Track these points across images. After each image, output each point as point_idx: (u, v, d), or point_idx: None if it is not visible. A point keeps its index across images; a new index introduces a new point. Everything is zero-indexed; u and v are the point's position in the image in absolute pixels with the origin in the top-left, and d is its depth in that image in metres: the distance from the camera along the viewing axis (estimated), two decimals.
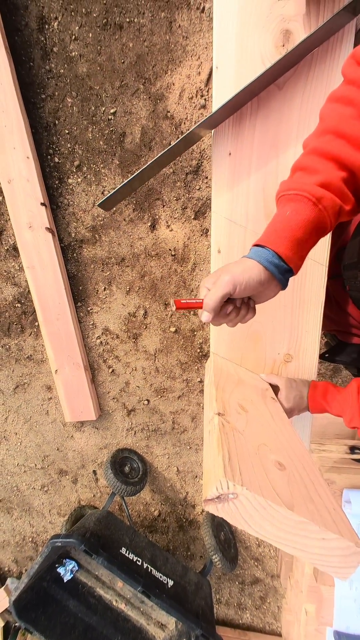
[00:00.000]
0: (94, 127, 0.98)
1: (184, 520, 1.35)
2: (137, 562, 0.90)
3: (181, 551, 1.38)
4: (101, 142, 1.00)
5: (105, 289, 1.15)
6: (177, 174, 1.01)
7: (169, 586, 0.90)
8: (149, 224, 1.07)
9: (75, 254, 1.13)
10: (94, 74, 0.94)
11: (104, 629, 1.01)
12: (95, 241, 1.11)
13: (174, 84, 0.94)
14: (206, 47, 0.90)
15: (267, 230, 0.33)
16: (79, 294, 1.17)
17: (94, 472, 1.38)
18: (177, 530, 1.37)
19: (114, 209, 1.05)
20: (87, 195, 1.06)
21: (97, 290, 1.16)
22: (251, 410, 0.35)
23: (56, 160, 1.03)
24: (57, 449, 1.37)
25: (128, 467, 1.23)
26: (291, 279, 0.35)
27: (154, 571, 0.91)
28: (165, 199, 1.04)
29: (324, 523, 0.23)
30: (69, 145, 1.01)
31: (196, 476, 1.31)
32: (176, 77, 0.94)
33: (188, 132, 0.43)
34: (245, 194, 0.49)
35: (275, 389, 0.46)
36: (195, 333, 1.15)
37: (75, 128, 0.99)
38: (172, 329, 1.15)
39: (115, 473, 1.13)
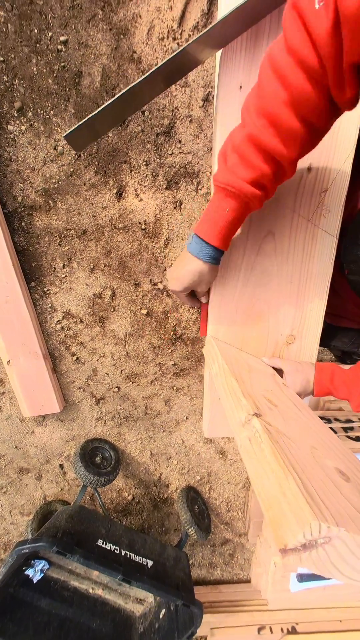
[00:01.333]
0: (39, 58, 0.78)
1: (159, 499, 1.37)
2: (115, 551, 0.87)
3: (156, 528, 1.42)
4: (50, 81, 0.81)
5: (64, 266, 1.00)
6: (146, 134, 0.88)
7: (149, 567, 0.90)
8: (115, 192, 0.93)
9: (24, 223, 0.94)
10: None
11: (81, 618, 0.99)
12: (49, 208, 0.93)
13: (140, 17, 0.78)
14: None
15: (208, 223, 0.39)
16: (31, 271, 1.00)
17: (61, 465, 1.28)
18: (152, 510, 1.38)
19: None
20: (35, 149, 0.87)
21: (55, 268, 1.00)
22: (279, 404, 0.31)
23: None
24: (15, 447, 1.23)
25: (99, 457, 1.17)
26: (300, 254, 0.41)
27: (132, 556, 0.90)
28: (133, 163, 0.91)
29: None
30: (5, 78, 0.79)
31: (170, 457, 1.31)
32: (143, 8, 0.78)
33: (189, 42, 0.32)
34: None
35: (279, 373, 0.44)
36: (168, 315, 1.09)
37: (12, 55, 0.78)
38: (144, 311, 1.07)
39: (86, 465, 1.06)
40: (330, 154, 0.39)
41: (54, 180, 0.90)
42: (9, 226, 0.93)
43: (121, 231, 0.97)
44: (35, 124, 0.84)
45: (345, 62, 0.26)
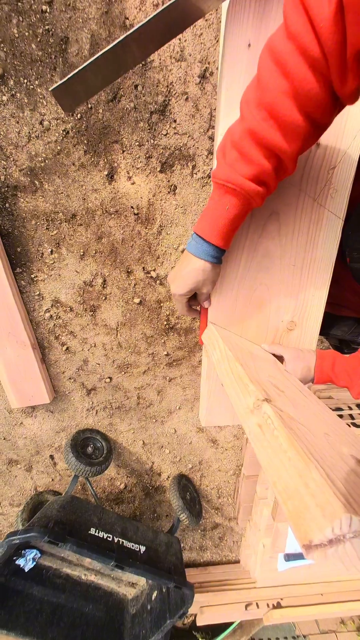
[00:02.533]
0: (21, 19, 0.71)
1: (150, 487, 1.39)
2: (108, 538, 0.88)
3: (148, 515, 1.44)
4: (33, 46, 0.74)
5: (52, 251, 0.95)
6: (139, 111, 0.83)
7: (141, 552, 0.91)
8: (106, 173, 0.88)
9: (8, 205, 0.89)
10: None
11: (73, 604, 1.01)
12: (36, 189, 0.88)
13: None
14: None
15: (208, 221, 0.37)
16: (17, 257, 0.94)
17: (51, 456, 1.27)
18: (144, 498, 1.40)
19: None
20: (18, 123, 0.80)
21: (42, 253, 0.95)
22: (286, 390, 0.30)
23: None
24: (4, 439, 1.20)
25: (91, 448, 1.16)
26: (305, 236, 0.38)
27: (125, 543, 0.91)
28: (125, 143, 0.86)
29: None
30: None
31: (162, 446, 1.32)
32: None
33: None
34: None
35: (279, 360, 0.43)
36: (161, 304, 1.07)
37: None
38: (136, 300, 1.05)
39: (78, 456, 1.05)
40: (340, 128, 0.37)
41: (39, 159, 0.85)
42: None
43: (113, 216, 0.93)
44: (18, 94, 0.78)
45: (349, 50, 0.25)
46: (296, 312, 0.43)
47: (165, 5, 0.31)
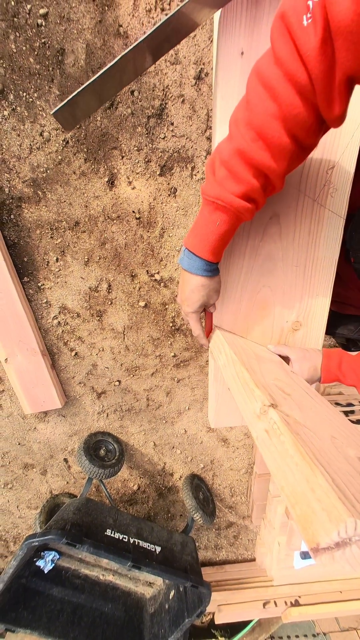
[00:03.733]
0: (18, 33, 0.73)
1: (164, 488, 1.40)
2: (124, 539, 0.89)
3: (162, 515, 1.45)
4: (31, 60, 0.75)
5: (57, 259, 0.97)
6: (136, 116, 0.84)
7: (157, 552, 0.92)
8: (106, 180, 0.89)
9: (12, 216, 0.91)
10: None
11: (93, 603, 1.02)
12: (39, 199, 0.90)
13: None
14: None
15: (199, 237, 0.38)
16: (24, 266, 0.97)
17: (65, 460, 1.29)
18: (157, 498, 1.41)
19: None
20: (19, 136, 0.82)
21: (48, 262, 0.97)
22: (292, 393, 0.30)
23: None
24: (19, 444, 1.23)
25: (103, 450, 1.18)
26: (306, 237, 0.39)
27: (141, 543, 0.92)
28: (124, 149, 0.87)
29: None
30: None
31: (173, 447, 1.33)
32: None
33: (182, 4, 0.29)
34: None
35: (285, 360, 0.44)
36: (166, 307, 1.08)
37: None
38: (142, 304, 1.06)
39: (91, 459, 1.07)
40: (336, 130, 0.37)
41: (41, 169, 0.86)
42: None
43: (115, 221, 0.94)
44: (18, 108, 0.79)
45: (338, 76, 0.25)
46: (301, 312, 0.43)
47: (160, 23, 0.31)
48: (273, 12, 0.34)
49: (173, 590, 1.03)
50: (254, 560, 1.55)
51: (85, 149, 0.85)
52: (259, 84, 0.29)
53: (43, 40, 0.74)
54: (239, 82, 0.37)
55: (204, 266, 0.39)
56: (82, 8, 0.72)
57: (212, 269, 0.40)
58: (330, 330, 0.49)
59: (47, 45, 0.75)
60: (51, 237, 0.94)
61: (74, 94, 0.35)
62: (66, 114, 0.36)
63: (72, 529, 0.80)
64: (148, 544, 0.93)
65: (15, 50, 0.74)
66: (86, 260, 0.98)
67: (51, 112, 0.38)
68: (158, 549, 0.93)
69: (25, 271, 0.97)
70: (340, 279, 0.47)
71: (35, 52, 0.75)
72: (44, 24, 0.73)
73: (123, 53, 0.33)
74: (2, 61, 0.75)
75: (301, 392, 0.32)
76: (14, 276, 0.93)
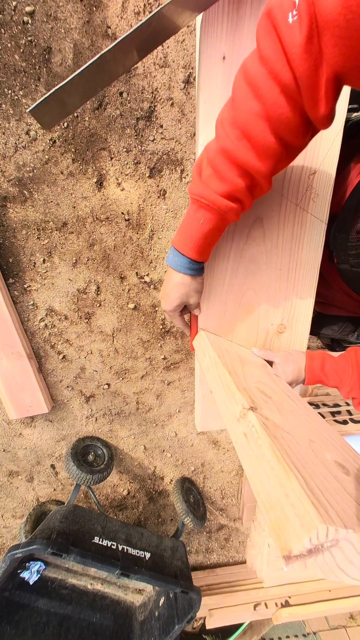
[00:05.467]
0: (3, 30, 0.71)
1: (154, 492, 1.38)
2: (112, 546, 0.87)
3: (152, 520, 1.43)
4: (17, 57, 0.74)
5: (44, 260, 0.95)
6: (125, 118, 0.84)
7: (147, 559, 0.91)
8: (95, 180, 0.88)
9: None
10: None
11: (80, 614, 1.00)
12: (25, 199, 0.88)
13: None
14: None
15: (184, 235, 0.39)
16: (9, 267, 0.94)
17: (52, 466, 1.26)
18: (148, 503, 1.39)
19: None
20: (4, 134, 0.80)
21: (35, 263, 0.95)
22: (273, 396, 0.30)
23: None
24: (3, 450, 1.19)
25: (92, 455, 1.15)
26: (289, 241, 0.39)
27: (130, 550, 0.90)
28: (112, 150, 0.86)
29: None
30: None
31: (163, 450, 1.32)
32: None
33: (162, 5, 0.29)
34: None
35: (269, 364, 0.44)
36: (156, 309, 1.07)
37: None
38: (131, 306, 1.05)
39: (79, 464, 1.05)
40: (318, 135, 0.38)
41: (28, 169, 0.84)
42: None
43: (103, 222, 0.93)
44: (3, 105, 0.78)
45: (325, 75, 0.25)
46: (285, 315, 0.43)
47: (139, 24, 0.31)
48: (254, 17, 0.34)
49: (163, 597, 1.02)
50: (244, 562, 1.55)
51: (73, 149, 0.84)
52: (244, 83, 0.29)
53: (29, 38, 0.73)
54: (221, 86, 0.38)
55: (187, 264, 0.39)
56: (69, 7, 0.72)
57: (195, 268, 0.40)
58: (315, 331, 0.50)
59: (33, 43, 0.74)
60: (38, 237, 0.92)
61: (51, 91, 0.35)
62: (45, 112, 0.35)
63: (58, 538, 0.78)
64: (137, 550, 0.91)
65: (0, 47, 0.73)
66: (74, 261, 0.96)
67: (27, 110, 0.37)
68: (147, 555, 0.92)
69: (10, 272, 0.95)
70: (324, 280, 0.48)
71: (21, 50, 0.74)
72: (30, 21, 0.72)
73: (102, 52, 0.33)
74: None
75: (282, 396, 0.33)
76: None
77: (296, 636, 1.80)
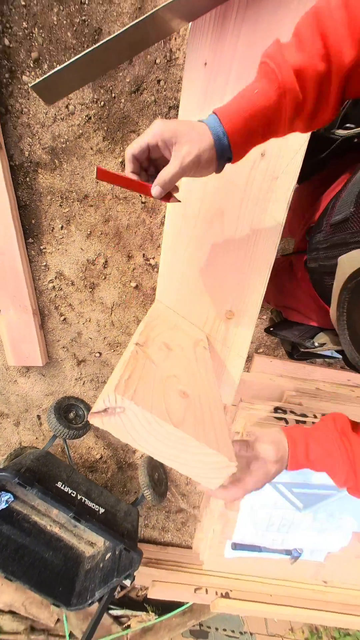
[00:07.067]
0: (62, 8, 0.77)
1: (124, 462, 1.47)
2: (72, 494, 0.96)
3: (118, 488, 1.53)
4: (69, 34, 0.80)
5: (62, 227, 1.03)
6: (159, 105, 0.88)
7: (100, 513, 0.99)
8: (120, 160, 0.94)
9: (28, 179, 0.96)
10: None
11: (36, 547, 1.11)
12: (55, 167, 0.95)
13: None
14: None
15: (231, 102, 0.31)
16: (30, 228, 1.03)
17: (38, 416, 1.37)
18: (117, 471, 1.49)
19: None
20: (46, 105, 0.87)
21: (53, 228, 1.03)
22: (176, 351, 0.36)
23: (6, 42, 0.80)
24: None
25: (73, 414, 1.25)
26: (246, 236, 0.38)
27: (87, 501, 0.99)
28: (141, 133, 0.91)
29: (207, 441, 0.26)
30: (25, 24, 0.79)
31: None
32: None
33: (156, 9, 0.34)
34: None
35: (245, 446, 0.39)
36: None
37: (35, 1, 0.77)
38: (133, 284, 1.11)
39: (59, 418, 1.14)
40: (283, 145, 0.42)
41: (62, 140, 0.91)
42: (14, 180, 0.95)
43: (121, 201, 0.99)
44: None
45: None
46: (234, 304, 0.47)
47: (136, 21, 0.35)
48: (236, 30, 0.38)
49: (109, 553, 1.11)
50: (191, 548, 1.62)
51: (105, 128, 0.90)
52: None
53: (83, 18, 0.78)
54: (200, 89, 0.41)
55: (221, 133, 0.31)
56: None
57: (223, 147, 0.31)
58: (276, 331, 0.53)
59: (86, 22, 0.79)
60: (60, 205, 1.00)
61: (53, 70, 0.40)
62: (44, 88, 0.41)
63: (26, 472, 0.87)
64: (94, 504, 1.00)
65: (55, 23, 0.79)
66: (88, 233, 1.04)
67: (30, 85, 0.43)
68: (102, 510, 1.01)
69: (31, 233, 1.03)
70: (298, 282, 0.50)
71: (74, 28, 0.79)
72: (87, 2, 0.77)
73: (103, 41, 0.37)
74: (42, 31, 0.79)
75: (189, 355, 0.38)
76: (20, 235, 1.00)
77: (233, 631, 1.86)
